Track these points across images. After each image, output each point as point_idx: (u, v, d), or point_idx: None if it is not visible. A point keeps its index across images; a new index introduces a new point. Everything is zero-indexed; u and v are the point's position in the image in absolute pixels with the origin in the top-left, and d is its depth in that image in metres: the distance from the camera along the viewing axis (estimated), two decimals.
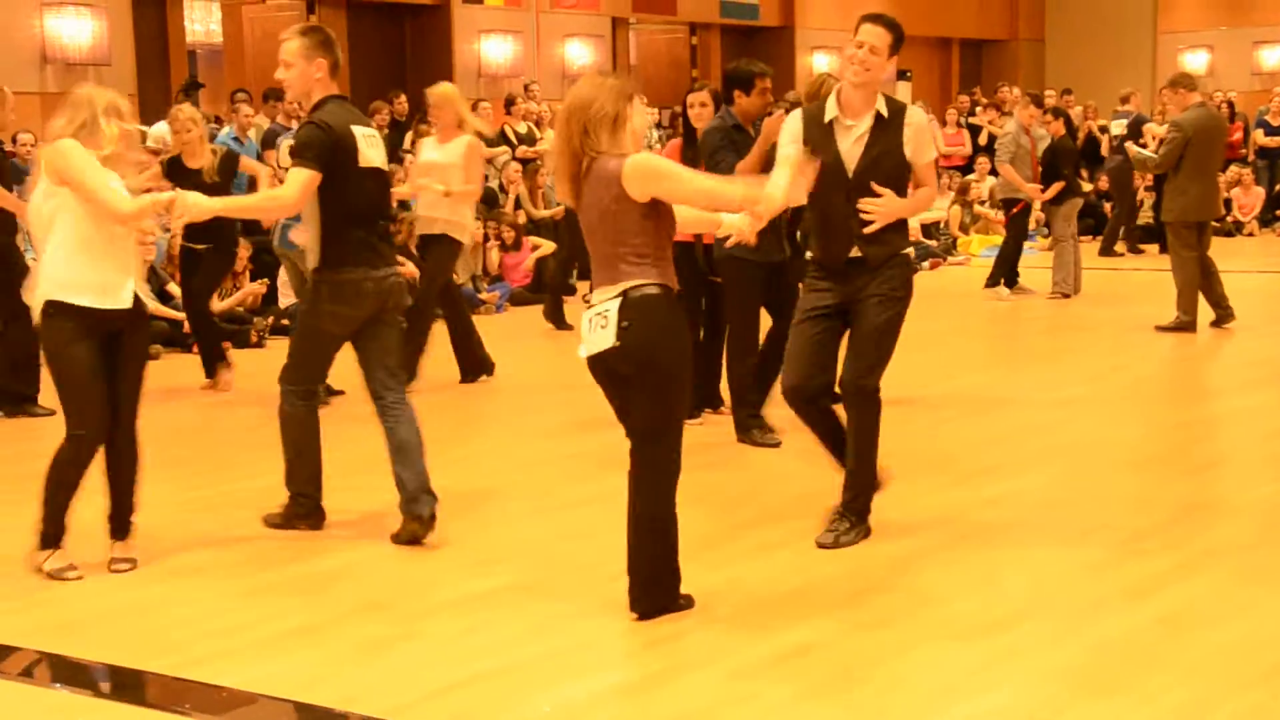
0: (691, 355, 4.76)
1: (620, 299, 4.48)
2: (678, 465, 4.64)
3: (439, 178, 8.74)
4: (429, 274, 9.01)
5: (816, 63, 22.57)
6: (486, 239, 13.67)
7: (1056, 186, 12.70)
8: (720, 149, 6.99)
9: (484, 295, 12.99)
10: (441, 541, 5.56)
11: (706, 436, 7.14)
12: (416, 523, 5.51)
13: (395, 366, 5.68)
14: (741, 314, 7.13)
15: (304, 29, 5.59)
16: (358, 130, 5.49)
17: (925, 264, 15.79)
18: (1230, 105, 20.42)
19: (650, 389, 4.56)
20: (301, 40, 5.51)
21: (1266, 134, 20.02)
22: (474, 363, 9.18)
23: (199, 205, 5.44)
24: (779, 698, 3.97)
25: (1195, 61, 25.19)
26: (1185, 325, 10.40)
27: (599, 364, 4.65)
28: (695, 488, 6.46)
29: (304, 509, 5.74)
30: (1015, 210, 13.10)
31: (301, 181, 5.41)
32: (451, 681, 4.13)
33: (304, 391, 5.70)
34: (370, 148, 5.55)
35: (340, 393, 8.49)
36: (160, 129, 14.26)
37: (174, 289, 11.10)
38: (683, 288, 6.87)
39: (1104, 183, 18.23)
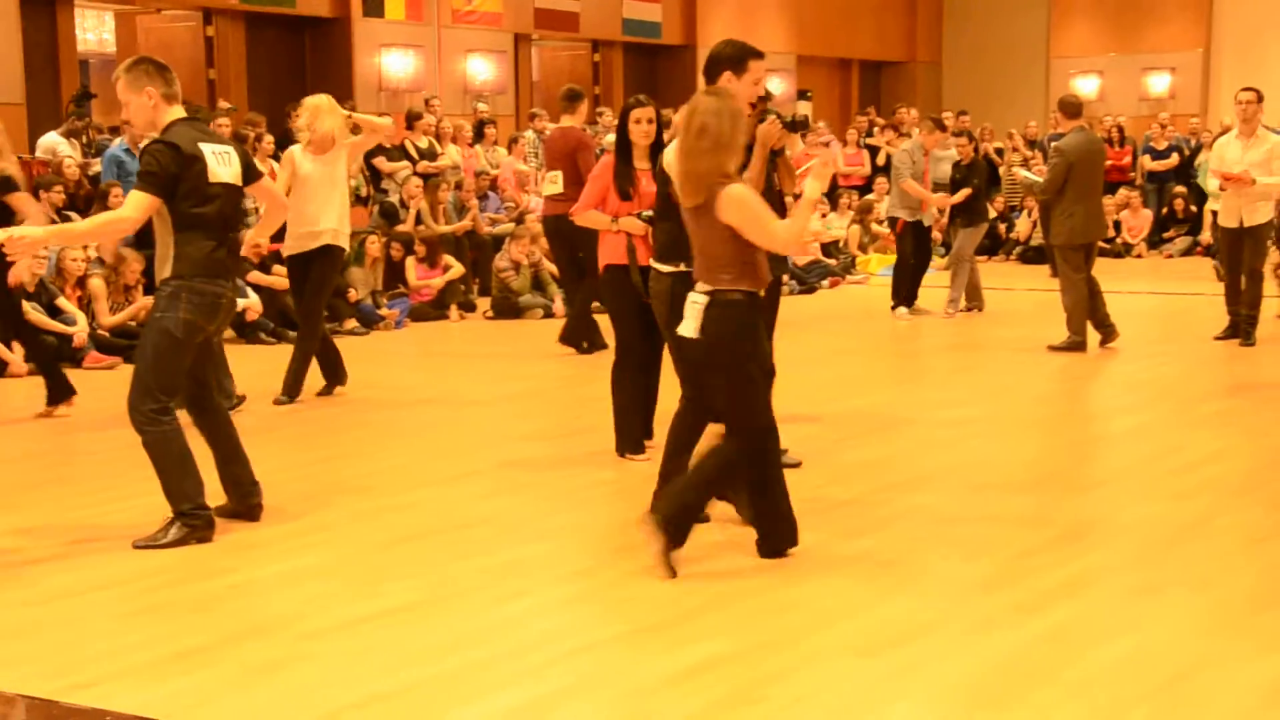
0: (759, 357, 5.34)
1: (709, 298, 5.18)
2: (743, 462, 5.28)
3: (313, 190, 8.68)
4: (319, 286, 8.83)
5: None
6: (389, 253, 13.57)
7: (965, 192, 12.92)
8: None
9: (383, 310, 12.88)
10: (335, 562, 5.50)
11: (602, 450, 7.14)
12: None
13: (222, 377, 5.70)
14: None
15: (128, 64, 5.71)
16: (207, 148, 5.61)
17: (825, 282, 15.96)
18: (1120, 130, 20.90)
19: (721, 381, 5.26)
20: (126, 75, 5.68)
21: (1153, 159, 20.52)
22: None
23: (27, 238, 5.45)
24: (679, 716, 3.96)
25: (1086, 86, 25.79)
26: (1076, 345, 10.61)
27: (683, 347, 5.43)
28: (589, 508, 6.50)
29: (200, 521, 5.66)
30: (899, 228, 13.27)
31: (141, 205, 5.54)
32: (344, 704, 4.07)
33: (162, 409, 5.62)
34: (221, 165, 5.67)
35: (243, 398, 8.42)
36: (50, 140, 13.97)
37: (64, 303, 10.87)
38: (622, 313, 6.92)
39: (999, 204, 18.56)
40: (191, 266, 5.59)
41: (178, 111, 5.61)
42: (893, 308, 13.12)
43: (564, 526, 6.09)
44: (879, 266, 16.79)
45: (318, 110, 8.79)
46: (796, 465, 6.63)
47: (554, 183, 10.92)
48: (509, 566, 5.45)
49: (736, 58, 5.96)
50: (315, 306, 8.85)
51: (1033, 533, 5.79)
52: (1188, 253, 19.22)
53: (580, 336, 10.96)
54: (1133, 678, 4.22)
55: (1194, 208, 19.73)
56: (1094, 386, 9.86)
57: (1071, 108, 11.24)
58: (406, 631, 4.69)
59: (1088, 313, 10.67)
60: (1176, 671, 4.26)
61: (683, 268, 5.84)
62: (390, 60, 18.47)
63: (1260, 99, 10.64)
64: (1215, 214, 11.94)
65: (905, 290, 13.16)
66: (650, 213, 6.92)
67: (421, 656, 4.45)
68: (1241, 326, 10.76)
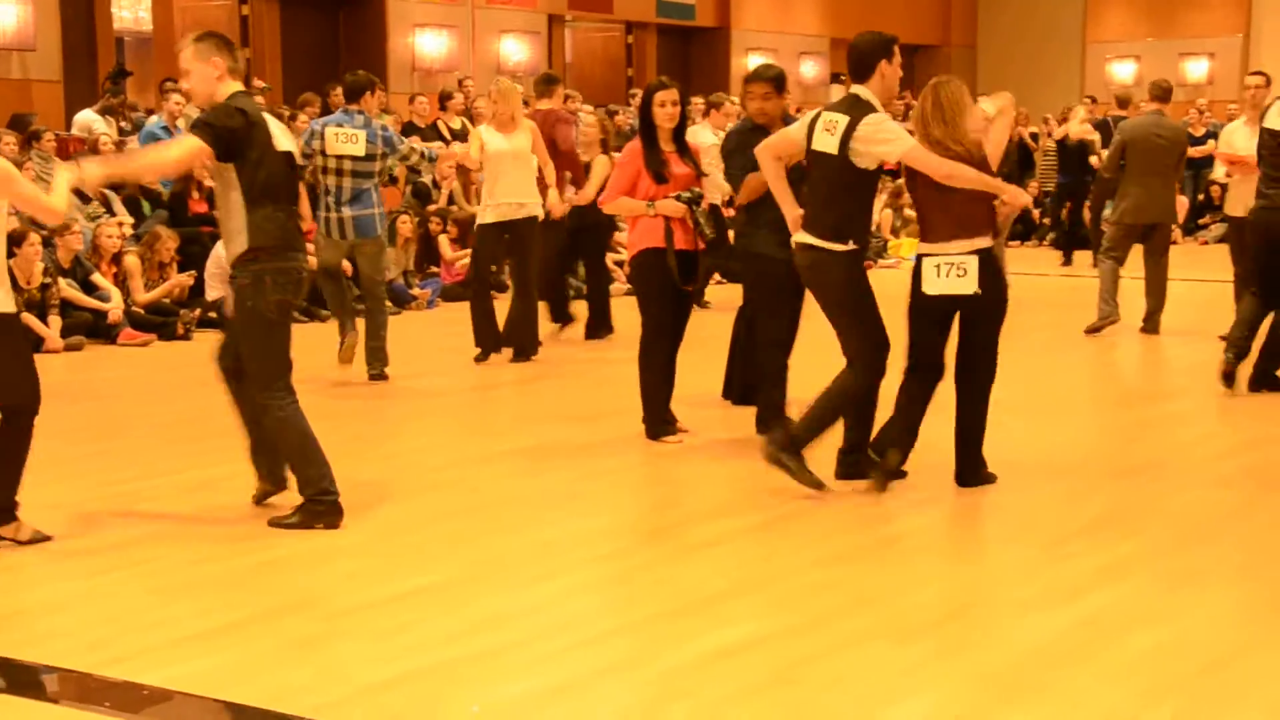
0: None
1: (978, 256, 5.84)
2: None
3: (509, 164, 9.33)
4: (529, 251, 9.59)
5: (752, 64, 22.65)
6: (427, 233, 13.59)
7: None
8: (734, 151, 6.98)
9: (415, 290, 12.90)
10: (367, 540, 5.51)
11: (631, 433, 7.13)
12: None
13: None
14: (771, 310, 6.91)
15: (197, 35, 5.67)
16: (269, 117, 5.58)
17: None
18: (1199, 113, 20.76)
19: (993, 328, 6.01)
20: (195, 45, 5.62)
21: (1190, 145, 20.31)
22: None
23: (89, 173, 5.48)
24: (711, 698, 3.95)
25: (1123, 72, 25.60)
26: (1106, 319, 10.54)
27: (946, 303, 5.96)
28: (622, 490, 6.49)
29: (323, 507, 5.62)
30: None
31: (189, 148, 5.51)
32: (379, 680, 4.07)
33: (284, 387, 5.62)
34: (283, 135, 5.63)
35: None
36: (85, 117, 14.04)
37: (99, 279, 10.92)
38: (655, 296, 6.89)
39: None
40: (266, 238, 5.50)
41: (238, 86, 5.57)
42: None
43: (596, 508, 6.08)
44: (911, 250, 16.68)
45: (505, 93, 9.50)
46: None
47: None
48: (541, 546, 5.44)
49: (888, 45, 6.14)
50: (529, 270, 9.60)
51: (1069, 518, 5.74)
52: (1223, 239, 19.03)
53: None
54: (1168, 665, 4.19)
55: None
56: (1128, 372, 9.80)
57: (1152, 89, 11.62)
58: (439, 610, 4.69)
59: (1110, 293, 10.68)
60: (1212, 659, 4.22)
61: (853, 245, 5.95)
62: (424, 40, 18.47)
63: (1269, 83, 10.43)
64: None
65: None
66: (690, 194, 6.88)
67: (454, 635, 4.44)
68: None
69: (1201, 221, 19.56)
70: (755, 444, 7.12)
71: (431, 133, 15.18)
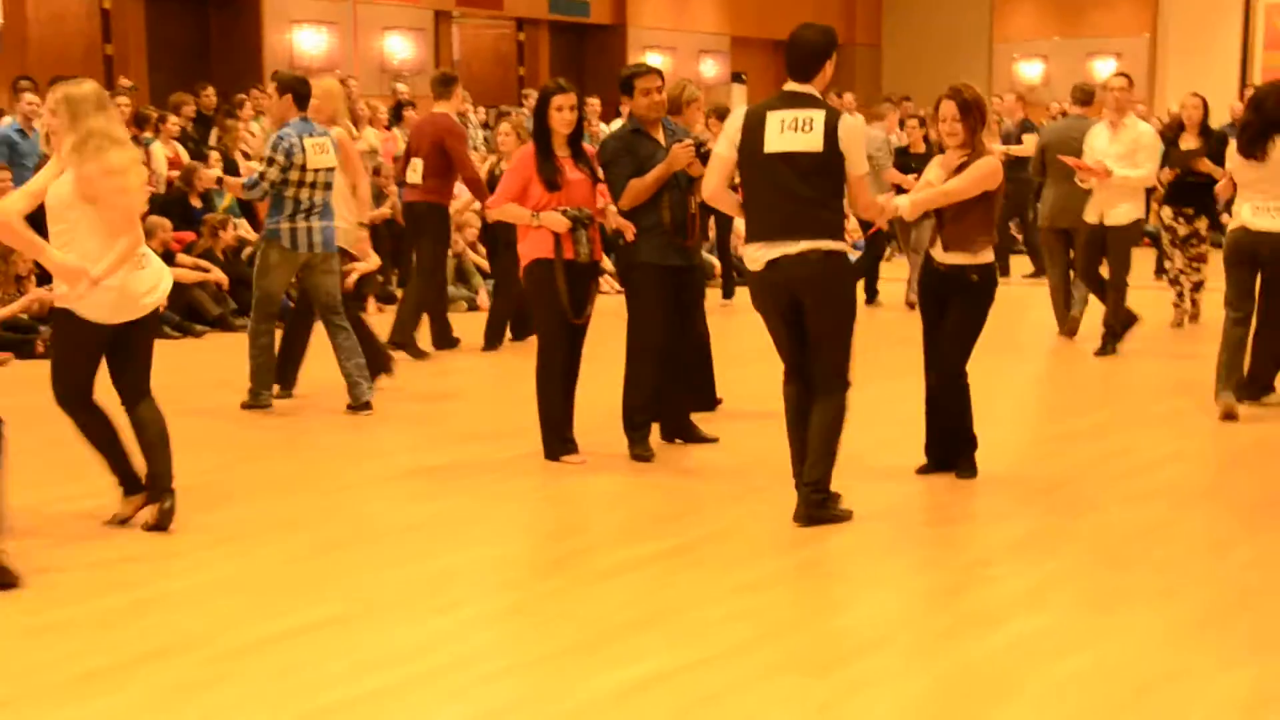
0: None
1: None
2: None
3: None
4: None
5: (649, 63, 22.71)
6: None
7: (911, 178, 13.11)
8: (616, 159, 7.12)
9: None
10: (251, 574, 5.41)
11: (532, 453, 7.10)
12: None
13: None
14: (648, 316, 7.14)
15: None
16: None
17: None
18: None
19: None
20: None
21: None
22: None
23: None
24: None
25: (1030, 71, 26.09)
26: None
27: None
28: (523, 514, 6.45)
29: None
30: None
31: None
32: None
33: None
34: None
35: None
36: None
37: None
38: (548, 311, 6.90)
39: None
40: None
41: None
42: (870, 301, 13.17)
43: (496, 534, 6.03)
44: None
45: (327, 93, 8.87)
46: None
47: (414, 170, 10.86)
48: (438, 577, 5.38)
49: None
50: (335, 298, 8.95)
51: (989, 538, 5.82)
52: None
53: (405, 336, 10.65)
54: (1097, 692, 4.25)
55: None
56: (1042, 385, 9.95)
57: (1074, 93, 11.98)
58: (330, 649, 4.62)
59: (1059, 300, 10.88)
60: (1142, 684, 4.29)
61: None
62: (303, 37, 18.28)
63: (1132, 85, 10.52)
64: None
65: (867, 285, 13.21)
66: (579, 211, 6.88)
67: (346, 676, 4.37)
68: (1105, 335, 10.39)
69: None
70: (664, 464, 7.16)
71: None
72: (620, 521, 6.15)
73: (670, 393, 7.49)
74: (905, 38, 27.09)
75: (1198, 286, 11.53)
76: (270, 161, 8.18)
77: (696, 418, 7.68)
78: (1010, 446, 7.94)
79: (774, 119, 5.87)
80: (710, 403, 8.15)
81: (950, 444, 6.80)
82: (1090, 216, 10.29)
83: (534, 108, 7.18)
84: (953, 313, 6.62)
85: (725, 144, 6.01)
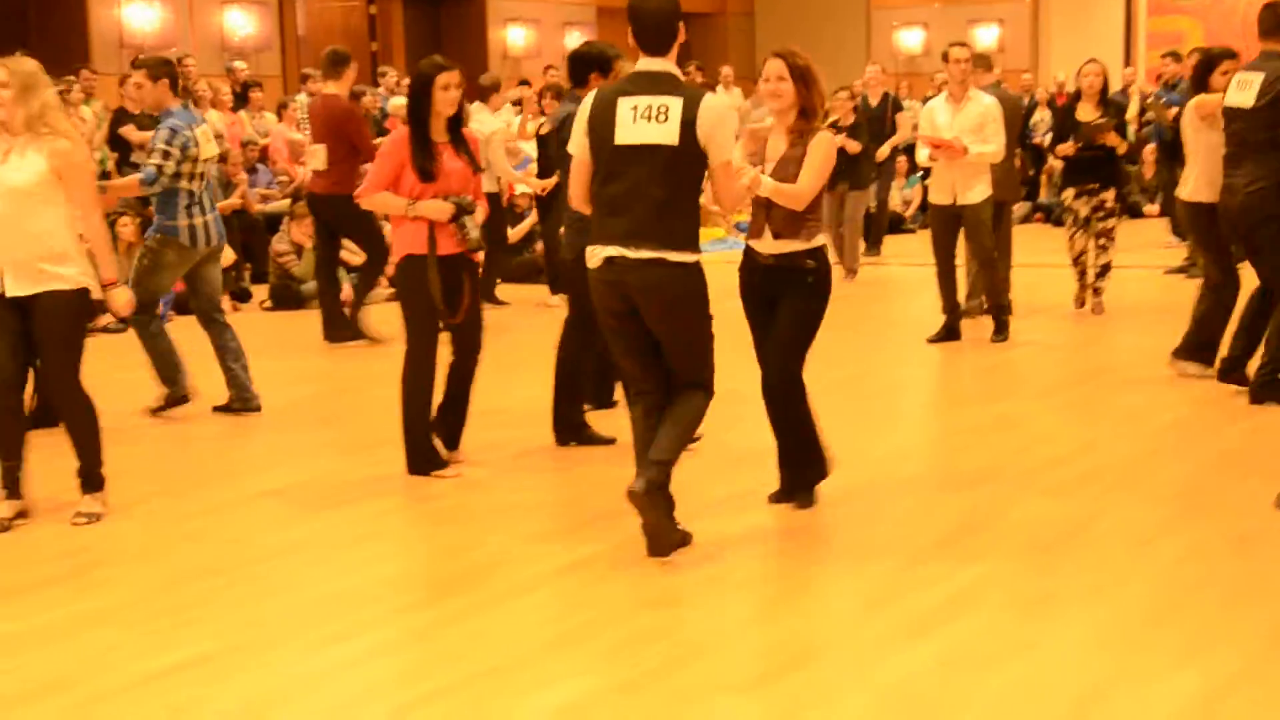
0: None
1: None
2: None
3: None
4: None
5: (511, 36, 22.60)
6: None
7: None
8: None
9: None
10: (117, 606, 5.27)
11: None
12: None
13: None
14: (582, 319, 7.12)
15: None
16: None
17: None
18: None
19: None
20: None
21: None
22: None
23: None
24: None
25: (910, 40, 26.45)
26: (998, 310, 10.63)
27: None
28: (414, 530, 6.36)
29: None
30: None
31: None
32: None
33: None
34: None
35: None
36: None
37: None
38: (420, 311, 6.78)
39: None
40: None
41: None
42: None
43: (379, 555, 5.95)
44: (708, 239, 16.88)
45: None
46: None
47: (316, 157, 10.88)
48: (321, 605, 5.29)
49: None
50: None
51: (913, 540, 5.87)
52: (1026, 219, 19.81)
53: (342, 327, 11.09)
54: (1038, 702, 4.30)
55: (1031, 171, 20.36)
56: (944, 372, 10.07)
57: (984, 62, 11.44)
58: (210, 688, 4.51)
59: (991, 278, 10.66)
60: (1082, 693, 4.36)
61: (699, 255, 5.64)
62: (132, 12, 17.87)
63: (972, 55, 10.46)
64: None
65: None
66: (461, 200, 6.78)
67: (240, 715, 4.28)
68: (995, 318, 10.48)
69: None
70: (559, 470, 7.12)
71: (147, 119, 14.65)
72: (518, 536, 6.07)
73: (564, 394, 7.46)
74: (780, 6, 27.28)
75: (1104, 271, 11.40)
76: (166, 155, 8.17)
77: (593, 416, 7.68)
78: (920, 441, 8.05)
79: (625, 105, 5.46)
80: (608, 400, 8.13)
81: (796, 464, 6.34)
82: (942, 197, 10.34)
83: (410, 87, 7.03)
84: (787, 308, 6.12)
85: (578, 141, 5.61)
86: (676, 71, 5.55)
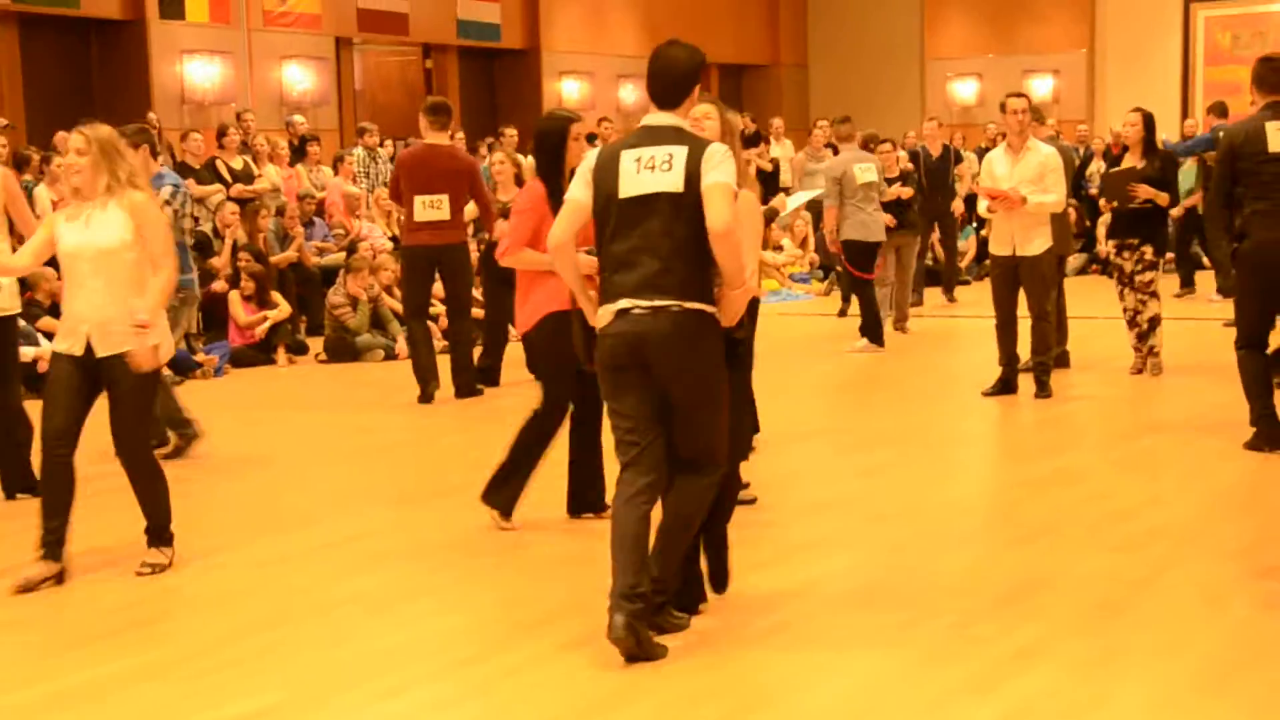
0: None
1: None
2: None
3: None
4: None
5: (565, 89, 22.74)
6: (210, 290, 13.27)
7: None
8: None
9: (200, 356, 12.53)
10: (174, 660, 5.27)
11: (474, 522, 7.00)
12: None
13: None
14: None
15: None
16: None
17: None
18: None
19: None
20: None
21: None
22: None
23: None
24: None
25: (965, 90, 26.42)
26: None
27: None
28: (471, 583, 6.32)
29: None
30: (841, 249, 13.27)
31: None
32: None
33: None
34: None
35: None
36: None
37: None
38: (570, 366, 6.41)
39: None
40: None
41: None
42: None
43: (437, 608, 5.92)
44: (763, 291, 16.87)
45: None
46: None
47: (437, 208, 10.49)
48: (381, 657, 5.28)
49: (703, 63, 5.48)
50: None
51: (970, 596, 5.80)
52: (1083, 271, 19.67)
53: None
54: None
55: (1088, 222, 20.23)
56: (1001, 425, 9.97)
57: (1034, 113, 11.20)
58: None
59: (1040, 333, 10.45)
60: None
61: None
62: (193, 68, 18.08)
63: (1030, 106, 10.30)
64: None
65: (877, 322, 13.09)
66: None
67: None
68: (1035, 376, 10.29)
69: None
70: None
71: (208, 173, 14.84)
72: (576, 588, 6.03)
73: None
74: (833, 57, 27.32)
75: (1152, 326, 11.11)
76: (178, 214, 8.57)
77: None
78: (979, 494, 7.97)
79: (628, 158, 5.27)
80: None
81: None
82: (1002, 248, 10.25)
83: (541, 139, 6.92)
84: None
85: (579, 187, 5.41)
86: (684, 124, 5.37)
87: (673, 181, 5.19)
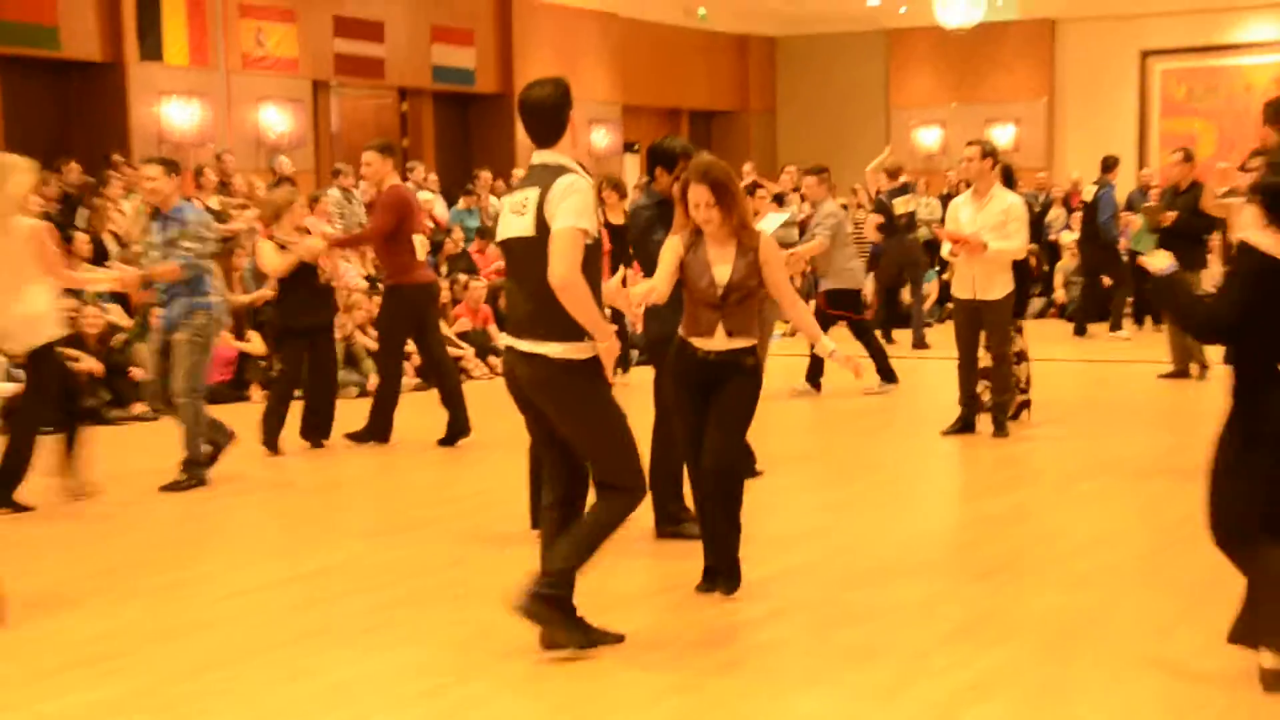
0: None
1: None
2: None
3: None
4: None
5: None
6: None
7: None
8: (651, 228, 7.01)
9: None
10: (134, 694, 5.19)
11: (431, 555, 6.92)
12: None
13: None
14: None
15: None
16: None
17: None
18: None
19: None
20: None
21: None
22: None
23: None
24: None
25: (928, 138, 26.54)
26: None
27: None
28: (427, 617, 6.26)
29: None
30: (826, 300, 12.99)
31: None
32: None
33: None
34: None
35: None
36: None
37: None
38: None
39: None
40: None
41: None
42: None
43: (400, 638, 5.84)
44: None
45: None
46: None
47: (423, 248, 10.55)
48: (342, 689, 5.20)
49: (568, 92, 5.49)
50: None
51: (926, 629, 5.76)
52: (1041, 314, 19.76)
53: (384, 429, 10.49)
54: None
55: (1046, 266, 20.34)
56: (959, 463, 9.95)
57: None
58: None
59: (999, 374, 10.49)
60: None
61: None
62: (172, 110, 18.00)
63: (985, 155, 10.16)
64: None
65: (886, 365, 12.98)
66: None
67: None
68: (993, 416, 10.30)
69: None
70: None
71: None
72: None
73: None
74: (800, 104, 27.44)
75: None
76: (202, 239, 8.90)
77: None
78: (937, 530, 7.93)
79: (506, 202, 5.45)
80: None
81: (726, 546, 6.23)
82: (963, 292, 10.25)
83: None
84: (732, 389, 6.09)
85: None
86: (564, 161, 5.30)
87: (525, 226, 5.25)
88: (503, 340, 5.51)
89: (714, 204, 5.95)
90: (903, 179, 17.10)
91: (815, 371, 12.63)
